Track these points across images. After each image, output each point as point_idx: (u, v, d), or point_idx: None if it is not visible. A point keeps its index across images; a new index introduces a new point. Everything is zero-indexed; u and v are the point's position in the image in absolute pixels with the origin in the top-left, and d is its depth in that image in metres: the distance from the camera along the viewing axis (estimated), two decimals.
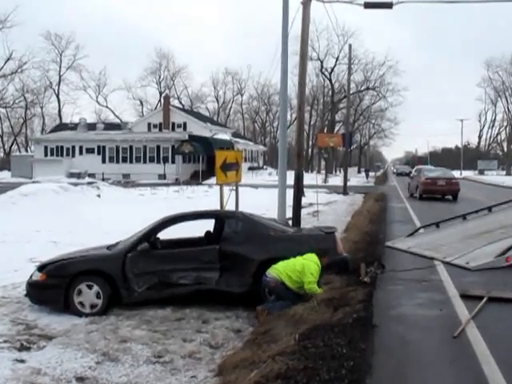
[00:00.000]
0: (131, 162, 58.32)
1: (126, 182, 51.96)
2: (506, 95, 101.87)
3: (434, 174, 32.13)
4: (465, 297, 8.59)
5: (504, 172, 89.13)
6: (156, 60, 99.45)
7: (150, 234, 10.30)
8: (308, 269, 8.92)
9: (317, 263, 9.06)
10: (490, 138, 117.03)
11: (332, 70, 77.39)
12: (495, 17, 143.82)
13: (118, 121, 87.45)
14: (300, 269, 8.95)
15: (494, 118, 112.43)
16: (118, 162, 58.67)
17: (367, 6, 18.30)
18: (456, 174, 49.00)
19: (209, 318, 9.12)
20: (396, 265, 11.37)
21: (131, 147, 58.33)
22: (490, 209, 16.36)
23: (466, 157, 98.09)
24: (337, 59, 75.60)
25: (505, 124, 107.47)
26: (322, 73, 78.47)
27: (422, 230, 15.43)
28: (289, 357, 6.02)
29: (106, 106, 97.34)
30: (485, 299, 8.28)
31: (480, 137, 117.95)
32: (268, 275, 9.05)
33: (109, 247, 10.53)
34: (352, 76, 63.00)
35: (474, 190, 40.08)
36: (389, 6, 18.13)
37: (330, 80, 78.47)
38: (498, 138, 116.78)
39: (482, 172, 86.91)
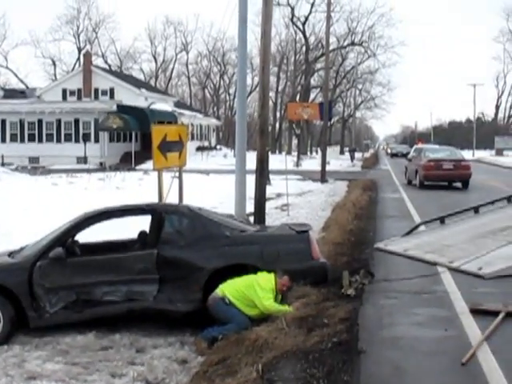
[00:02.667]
0: (41, 141, 57.65)
1: (34, 167, 51.35)
2: None
3: (439, 154, 32.50)
4: (476, 312, 8.71)
5: None
6: (73, 5, 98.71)
7: (66, 236, 10.23)
8: (257, 284, 9.04)
9: (270, 280, 9.20)
10: (511, 107, 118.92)
11: (306, 19, 77.93)
12: None
13: (23, 86, 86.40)
14: (247, 283, 9.09)
15: None
16: (22, 141, 57.92)
17: None
18: (467, 154, 49.68)
19: (145, 345, 9.12)
20: (389, 272, 11.49)
21: (40, 122, 57.64)
22: (509, 199, 16.61)
23: (479, 133, 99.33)
24: (312, 5, 76.17)
25: None
26: (294, 23, 78.87)
27: (422, 228, 15.60)
28: None
29: (6, 67, 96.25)
30: (501, 315, 8.41)
31: (498, 107, 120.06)
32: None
33: (11, 254, 10.43)
34: (332, 27, 63.63)
35: (490, 175, 40.67)
36: None
37: (304, 32, 78.94)
38: None
39: (500, 152, 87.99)
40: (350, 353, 7.11)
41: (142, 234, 11.02)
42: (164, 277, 9.78)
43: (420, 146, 42.16)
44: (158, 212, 10.56)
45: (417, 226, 15.65)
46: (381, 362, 7.07)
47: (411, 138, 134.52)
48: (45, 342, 9.28)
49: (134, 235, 11.18)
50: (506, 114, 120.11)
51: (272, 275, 9.31)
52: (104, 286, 9.76)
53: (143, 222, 11.03)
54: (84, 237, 10.72)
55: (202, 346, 8.78)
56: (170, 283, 9.78)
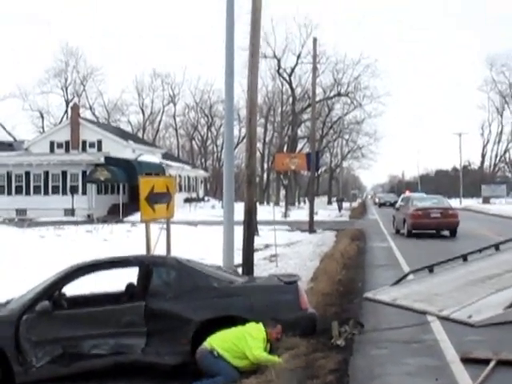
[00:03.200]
0: (28, 193, 57.57)
1: (22, 219, 51.17)
2: None
3: (426, 203, 32.65)
4: (467, 361, 8.67)
5: None
6: (61, 58, 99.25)
7: (53, 289, 10.16)
8: (248, 334, 9.01)
9: (261, 330, 9.16)
10: (496, 156, 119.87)
11: (292, 70, 78.58)
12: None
13: (10, 139, 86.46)
14: (237, 335, 9.04)
15: (501, 131, 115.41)
16: (10, 193, 57.84)
17: None
18: (454, 203, 49.96)
19: None
20: (378, 322, 11.44)
21: (28, 174, 57.64)
22: (497, 247, 16.64)
23: (466, 181, 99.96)
24: (298, 57, 76.88)
25: None
26: (280, 74, 79.47)
27: (411, 276, 15.59)
28: None
29: None
30: (492, 363, 8.37)
31: (484, 155, 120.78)
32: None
33: None
34: (318, 79, 64.12)
35: (478, 223, 40.85)
36: None
37: (290, 84, 79.54)
38: (506, 155, 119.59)
39: (487, 200, 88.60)
40: None
41: (130, 286, 10.98)
42: (152, 329, 9.71)
43: (407, 194, 42.40)
44: (145, 264, 10.54)
45: (405, 275, 15.65)
46: None
47: (398, 187, 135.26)
48: None
49: (122, 287, 11.11)
50: (492, 163, 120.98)
51: (261, 325, 9.26)
52: (91, 339, 9.68)
53: (130, 275, 10.99)
54: (71, 289, 10.64)
55: None
56: (158, 336, 9.71)
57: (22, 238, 31.86)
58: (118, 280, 11.68)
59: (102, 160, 56.38)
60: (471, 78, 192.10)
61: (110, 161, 56.43)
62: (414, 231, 31.03)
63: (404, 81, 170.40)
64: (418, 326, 11.01)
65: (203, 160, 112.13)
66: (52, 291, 10.12)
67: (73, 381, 9.49)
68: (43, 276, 10.84)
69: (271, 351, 9.25)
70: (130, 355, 9.61)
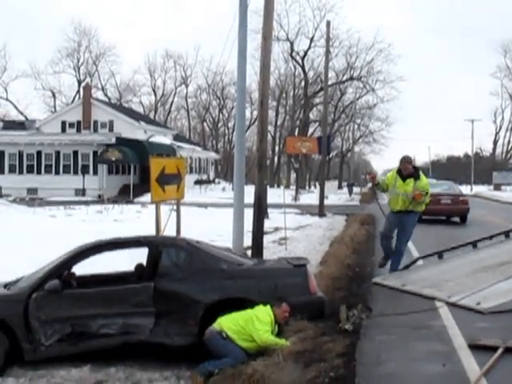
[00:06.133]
0: (39, 172, 57.68)
1: (32, 198, 51.25)
2: None
3: (437, 189, 32.43)
4: (475, 347, 8.65)
5: None
6: (73, 38, 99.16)
7: (62, 268, 10.21)
8: (256, 317, 9.04)
9: (269, 313, 9.19)
10: (509, 143, 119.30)
11: (305, 54, 78.19)
12: None
13: (23, 118, 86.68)
14: (246, 318, 9.07)
15: None
16: (21, 172, 57.96)
17: None
18: (465, 189, 49.79)
19: (140, 379, 9.07)
20: (387, 307, 11.43)
21: (39, 153, 57.73)
22: (507, 234, 16.57)
23: (477, 168, 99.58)
24: (311, 40, 76.45)
25: None
26: (293, 58, 79.18)
27: (420, 262, 15.55)
28: None
29: (6, 99, 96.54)
30: (500, 350, 8.35)
31: (496, 142, 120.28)
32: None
33: (6, 285, 10.41)
34: (331, 62, 63.91)
35: (488, 210, 40.68)
36: None
37: (303, 67, 79.24)
38: None
39: (498, 187, 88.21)
40: None
41: (139, 266, 10.99)
42: (160, 310, 9.75)
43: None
44: (155, 245, 10.56)
45: (415, 261, 15.61)
46: None
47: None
48: (39, 375, 9.22)
49: (131, 268, 11.14)
50: (504, 149, 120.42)
51: (269, 308, 9.29)
52: (100, 318, 9.73)
53: (140, 256, 11.01)
54: (80, 269, 10.68)
55: (198, 381, 8.70)
56: (167, 316, 9.75)
57: (33, 218, 31.96)
58: (127, 260, 11.71)
59: (114, 140, 56.36)
60: (485, 64, 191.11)
61: (122, 141, 56.43)
62: (424, 217, 30.88)
63: (417, 66, 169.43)
64: (427, 312, 10.98)
65: (214, 142, 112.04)
66: (61, 270, 10.17)
67: (81, 360, 9.54)
68: (53, 255, 10.87)
69: (279, 333, 9.28)
70: (139, 335, 9.66)
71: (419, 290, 12.65)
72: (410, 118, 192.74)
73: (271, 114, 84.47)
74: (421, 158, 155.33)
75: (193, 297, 9.73)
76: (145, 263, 10.83)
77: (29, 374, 9.26)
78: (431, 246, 18.29)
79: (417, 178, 14.16)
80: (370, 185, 15.77)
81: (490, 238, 16.40)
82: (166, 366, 9.48)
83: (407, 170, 14.21)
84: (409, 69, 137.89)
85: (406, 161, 14.34)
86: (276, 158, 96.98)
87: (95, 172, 56.34)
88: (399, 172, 14.34)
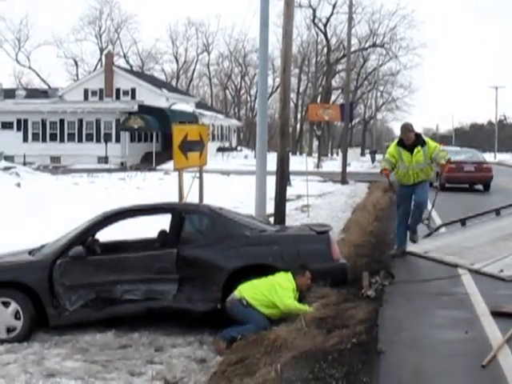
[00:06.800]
0: (62, 140, 57.90)
1: (56, 166, 51.62)
2: None
3: (460, 157, 32.26)
4: (497, 315, 8.65)
5: None
6: (95, 6, 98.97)
7: (86, 235, 10.28)
8: (278, 284, 9.08)
9: (290, 280, 9.23)
10: None
11: (328, 20, 77.63)
12: None
13: (45, 86, 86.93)
14: (267, 285, 9.11)
15: None
16: (44, 140, 58.22)
17: None
18: (489, 157, 49.44)
19: (164, 344, 9.15)
20: (409, 274, 11.45)
21: (62, 121, 57.90)
22: None
23: (501, 135, 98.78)
24: (334, 6, 75.81)
25: None
26: (315, 24, 78.61)
27: (443, 229, 15.54)
28: None
29: (29, 67, 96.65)
30: None
31: None
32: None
33: (31, 252, 10.50)
34: (354, 29, 63.42)
35: None
36: None
37: (325, 34, 78.68)
38: None
39: None
40: (369, 354, 7.08)
41: (162, 233, 11.01)
42: (184, 276, 9.79)
43: (441, 148, 41.79)
44: (178, 211, 10.56)
45: (438, 228, 15.58)
46: (400, 363, 7.04)
47: (433, 140, 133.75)
48: (64, 340, 9.33)
49: (154, 235, 11.19)
50: None
51: (290, 275, 9.31)
52: (124, 284, 9.79)
53: (162, 222, 11.05)
54: (104, 236, 10.76)
55: (221, 346, 8.78)
56: (190, 283, 9.80)
57: (56, 185, 32.18)
58: (150, 227, 11.77)
59: (136, 108, 56.41)
60: (509, 30, 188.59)
61: (144, 109, 56.45)
62: (447, 184, 30.76)
63: (440, 32, 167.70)
64: (449, 279, 10.98)
65: (236, 109, 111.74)
66: (85, 237, 10.23)
67: (105, 325, 9.65)
68: (76, 222, 10.95)
69: (301, 300, 9.31)
70: (162, 301, 9.72)
71: (442, 257, 12.63)
72: (433, 84, 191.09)
73: (293, 81, 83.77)
74: (444, 126, 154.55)
75: (216, 263, 9.76)
76: (168, 230, 10.88)
77: (54, 339, 9.37)
78: (454, 213, 18.23)
79: (423, 144, 12.83)
80: (385, 179, 15.18)
81: None
82: (188, 332, 9.55)
83: (409, 139, 12.82)
84: (432, 35, 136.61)
85: (407, 129, 12.91)
86: (298, 126, 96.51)
87: (118, 140, 56.46)
88: (400, 143, 12.96)
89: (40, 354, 8.72)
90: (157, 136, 57.08)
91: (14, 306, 9.43)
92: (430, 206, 13.65)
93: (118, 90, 67.16)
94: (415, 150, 12.69)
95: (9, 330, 9.40)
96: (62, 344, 9.16)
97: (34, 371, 8.04)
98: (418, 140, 12.90)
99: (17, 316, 9.42)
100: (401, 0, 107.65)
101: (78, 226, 10.47)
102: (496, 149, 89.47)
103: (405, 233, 13.29)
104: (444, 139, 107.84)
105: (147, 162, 53.41)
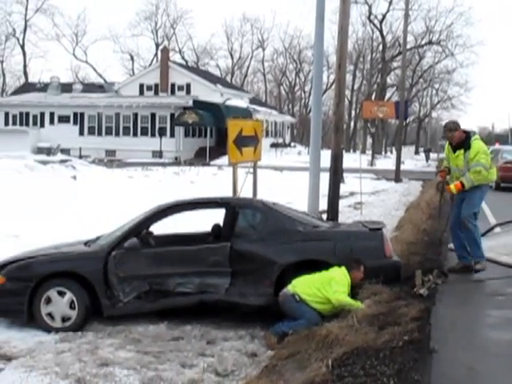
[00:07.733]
0: (117, 134, 58.56)
1: (111, 160, 52.09)
2: None
3: None
4: None
5: None
6: (152, 1, 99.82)
7: (141, 227, 10.38)
8: (333, 279, 9.07)
9: (345, 275, 9.22)
10: None
11: (383, 17, 77.29)
12: None
13: (101, 81, 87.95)
14: (321, 280, 9.10)
15: None
16: (100, 134, 58.96)
17: None
18: None
19: (215, 337, 9.19)
20: (462, 274, 11.32)
21: (118, 115, 58.56)
22: None
23: None
24: (390, 3, 75.53)
25: None
26: (371, 21, 78.33)
27: (498, 229, 15.36)
28: None
29: (86, 62, 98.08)
30: None
31: None
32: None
33: (87, 243, 10.65)
34: (410, 26, 62.88)
35: None
36: None
37: (381, 31, 78.31)
38: None
39: None
40: (421, 352, 7.03)
41: (216, 227, 11.07)
42: (236, 270, 9.83)
43: (497, 147, 41.29)
44: (232, 206, 10.59)
45: (492, 228, 15.42)
46: (453, 362, 6.97)
47: (488, 139, 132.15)
48: (117, 330, 9.44)
49: (208, 228, 11.25)
50: None
51: (344, 269, 9.29)
52: (177, 277, 9.86)
53: (216, 216, 11.10)
54: (158, 229, 10.85)
55: (272, 341, 8.80)
56: (242, 277, 9.83)
57: (111, 178, 32.51)
58: (201, 221, 11.84)
59: (191, 103, 56.77)
60: None
61: (198, 104, 56.77)
62: (502, 184, 30.42)
63: (498, 30, 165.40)
64: (504, 280, 10.83)
65: (290, 106, 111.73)
66: (140, 229, 10.33)
67: (158, 317, 9.74)
68: (131, 214, 11.06)
69: (353, 296, 9.29)
70: (215, 294, 9.76)
71: (496, 257, 12.47)
72: (490, 83, 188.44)
73: (348, 77, 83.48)
74: (500, 125, 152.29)
75: (269, 258, 9.77)
76: (221, 224, 10.94)
77: (107, 329, 9.48)
78: (509, 213, 17.99)
79: (467, 147, 10.89)
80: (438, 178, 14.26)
81: None
82: (240, 326, 9.58)
83: (453, 139, 11.10)
84: (489, 32, 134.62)
85: (448, 128, 11.26)
86: (352, 123, 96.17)
87: (172, 134, 56.87)
88: (450, 143, 11.38)
89: (94, 344, 8.82)
90: (211, 131, 57.38)
91: (69, 295, 9.57)
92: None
93: (173, 85, 67.66)
94: (457, 153, 11.11)
95: (64, 320, 9.54)
96: (115, 334, 9.27)
97: (87, 360, 8.15)
98: (465, 141, 11.03)
99: (72, 306, 9.55)
100: None
101: (133, 218, 10.58)
102: None
103: (461, 245, 11.45)
104: (500, 138, 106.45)
105: (201, 157, 53.69)
